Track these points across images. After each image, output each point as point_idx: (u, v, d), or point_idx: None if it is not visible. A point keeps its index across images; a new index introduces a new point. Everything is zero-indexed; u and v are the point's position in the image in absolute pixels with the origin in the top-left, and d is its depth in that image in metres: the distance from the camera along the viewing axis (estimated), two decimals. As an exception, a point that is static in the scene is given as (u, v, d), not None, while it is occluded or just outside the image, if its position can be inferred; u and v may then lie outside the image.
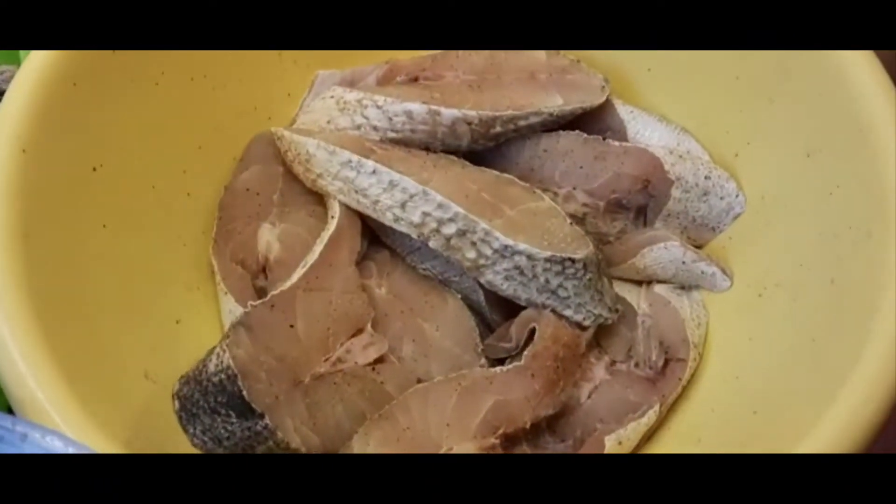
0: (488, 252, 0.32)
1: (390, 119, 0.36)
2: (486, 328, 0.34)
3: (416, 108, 0.36)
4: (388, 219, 0.34)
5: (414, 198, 0.33)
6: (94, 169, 0.31)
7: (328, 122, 0.38)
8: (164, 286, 0.34)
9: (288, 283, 0.33)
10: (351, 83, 0.40)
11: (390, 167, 0.34)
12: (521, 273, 0.32)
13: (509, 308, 0.34)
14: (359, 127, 0.37)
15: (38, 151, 0.27)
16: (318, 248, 0.34)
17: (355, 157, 0.34)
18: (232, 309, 0.34)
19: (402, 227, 0.33)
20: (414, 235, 0.33)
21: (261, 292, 0.35)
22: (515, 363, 0.31)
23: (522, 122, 0.36)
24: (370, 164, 0.34)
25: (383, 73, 0.40)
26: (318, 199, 0.37)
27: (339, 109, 0.38)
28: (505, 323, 0.33)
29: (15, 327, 0.25)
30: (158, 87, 0.34)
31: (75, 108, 0.30)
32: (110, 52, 0.31)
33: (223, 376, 0.29)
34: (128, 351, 0.30)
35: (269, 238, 0.36)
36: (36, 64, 0.29)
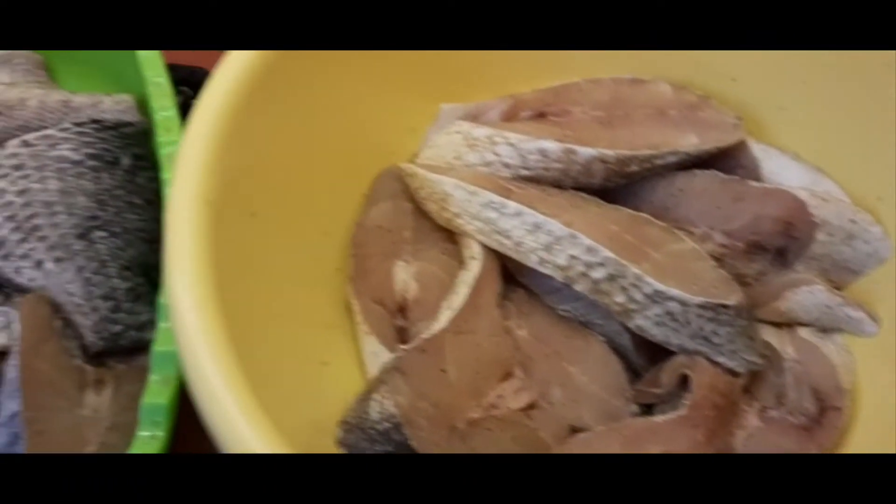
0: (639, 297, 0.32)
1: (523, 157, 0.36)
2: (630, 372, 0.34)
3: (551, 146, 0.36)
4: (532, 261, 0.34)
5: (560, 241, 0.33)
6: (253, 215, 0.31)
7: (455, 158, 0.38)
8: (308, 327, 0.34)
9: (436, 327, 0.32)
10: (475, 117, 0.40)
11: (533, 208, 0.34)
12: (673, 319, 0.32)
13: (654, 351, 0.33)
14: (489, 164, 0.37)
15: (220, 203, 0.27)
16: (464, 290, 0.34)
17: (497, 198, 0.34)
18: (376, 351, 0.34)
19: (546, 270, 0.33)
20: (559, 278, 0.33)
21: (400, 332, 0.35)
22: (678, 413, 0.31)
23: (659, 161, 0.36)
24: (513, 205, 0.34)
25: (507, 108, 0.39)
26: (450, 235, 0.37)
27: (467, 146, 0.37)
28: (652, 368, 0.33)
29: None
30: (301, 129, 0.34)
31: (244, 158, 0.30)
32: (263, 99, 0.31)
33: (388, 425, 0.29)
34: (288, 390, 0.30)
35: (404, 277, 0.36)
36: (207, 120, 0.29)
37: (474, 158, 0.37)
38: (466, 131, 0.38)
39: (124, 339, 0.34)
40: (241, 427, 0.24)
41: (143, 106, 0.41)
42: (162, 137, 0.36)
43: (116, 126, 0.40)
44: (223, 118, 0.29)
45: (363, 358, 0.34)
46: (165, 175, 0.35)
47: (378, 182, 0.38)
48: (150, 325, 0.35)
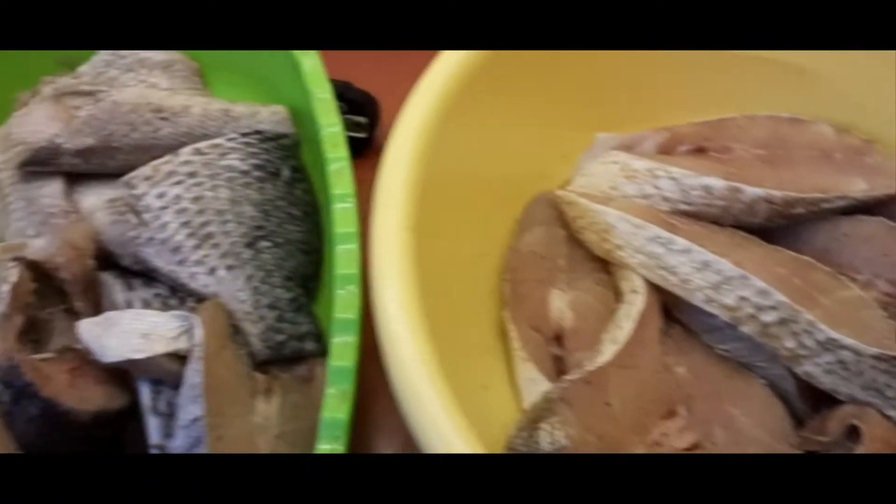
0: (810, 344, 0.32)
1: (685, 192, 0.36)
2: (791, 417, 0.34)
3: (716, 183, 0.35)
4: (697, 299, 0.33)
5: (730, 281, 0.33)
6: (435, 235, 0.31)
7: (612, 188, 0.38)
8: (471, 349, 0.34)
9: (601, 360, 0.33)
10: (629, 148, 0.40)
11: (703, 246, 0.34)
12: (845, 368, 0.32)
13: (817, 398, 0.33)
14: (647, 196, 0.37)
15: (418, 230, 0.28)
16: (628, 324, 0.34)
17: (665, 233, 0.34)
18: (534, 378, 0.34)
19: (712, 309, 0.33)
20: (725, 318, 0.33)
21: (556, 361, 0.35)
22: (852, 465, 0.30)
23: (826, 206, 0.36)
24: (682, 241, 0.34)
25: (664, 140, 0.39)
26: (604, 266, 0.37)
27: (625, 176, 0.38)
28: (816, 415, 0.33)
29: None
30: (472, 150, 0.35)
31: (435, 183, 0.30)
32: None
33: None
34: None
35: (560, 305, 0.36)
36: (405, 151, 0.30)
37: (632, 190, 0.37)
38: (624, 162, 0.38)
39: (287, 348, 0.35)
40: (446, 428, 0.25)
41: (295, 117, 0.42)
42: (329, 153, 0.36)
43: (276, 138, 0.41)
44: (418, 151, 0.30)
45: (518, 383, 0.35)
46: (335, 191, 0.35)
47: (531, 207, 0.39)
48: (309, 335, 0.36)
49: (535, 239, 0.38)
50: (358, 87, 0.44)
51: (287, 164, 0.40)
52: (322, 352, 0.36)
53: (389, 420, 0.38)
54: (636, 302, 0.34)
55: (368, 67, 0.49)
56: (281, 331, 0.35)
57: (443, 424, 0.25)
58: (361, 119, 0.44)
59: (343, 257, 0.34)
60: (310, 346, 0.36)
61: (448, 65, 0.34)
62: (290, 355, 0.35)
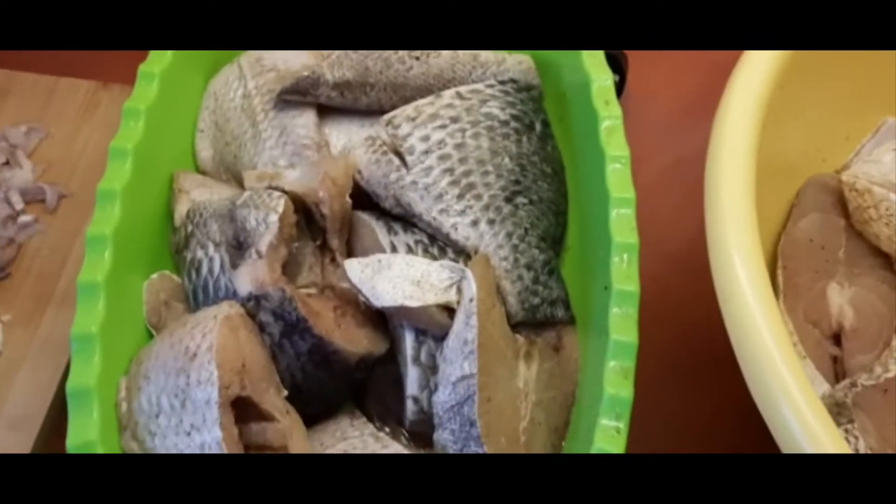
0: None
1: None
2: None
3: None
4: None
5: None
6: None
7: (903, 178, 0.34)
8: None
9: (899, 368, 0.30)
10: (923, 136, 0.36)
11: None
12: None
13: None
14: (950, 192, 0.33)
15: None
16: (930, 331, 0.30)
17: (983, 237, 0.31)
18: (812, 376, 0.31)
19: None
20: None
21: (833, 361, 0.32)
22: None
23: None
24: None
25: (966, 131, 0.35)
26: (887, 262, 0.34)
27: (921, 168, 0.34)
28: None
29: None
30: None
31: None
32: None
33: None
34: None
35: (839, 301, 0.33)
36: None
37: (930, 184, 0.33)
38: (922, 152, 0.34)
39: (540, 312, 0.33)
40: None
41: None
42: (601, 110, 0.34)
43: (528, 88, 0.39)
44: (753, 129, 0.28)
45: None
46: (610, 150, 0.33)
47: (806, 191, 0.35)
48: (560, 301, 0.34)
49: (810, 225, 0.35)
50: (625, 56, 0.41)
51: (539, 116, 0.37)
52: (571, 319, 0.34)
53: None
54: (939, 308, 0.31)
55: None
56: (536, 293, 0.33)
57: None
58: (614, 76, 0.41)
59: (620, 223, 0.32)
60: (560, 312, 0.34)
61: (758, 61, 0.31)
62: (541, 319, 0.33)
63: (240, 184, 0.37)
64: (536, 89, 0.40)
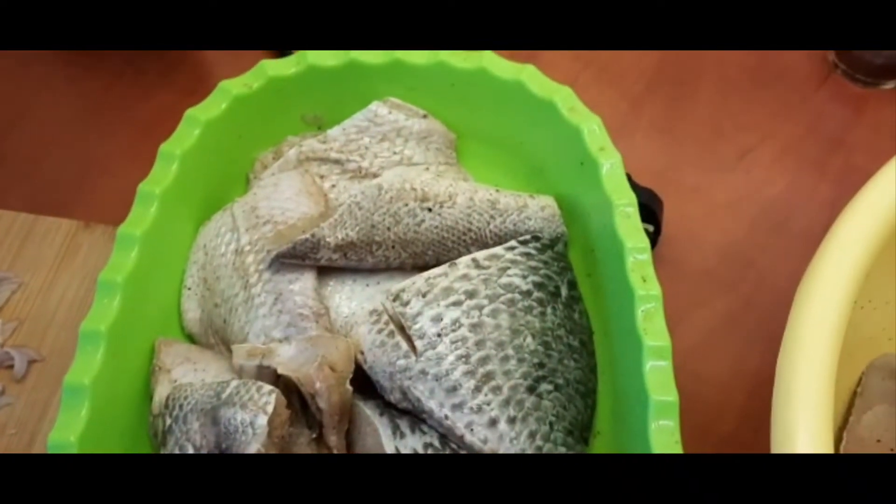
0: None
1: None
2: None
3: None
4: None
5: None
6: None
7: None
8: None
9: None
10: None
11: None
12: None
13: None
14: None
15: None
16: None
17: None
18: None
19: None
20: None
21: None
22: None
23: None
24: None
25: None
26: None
27: None
28: None
29: None
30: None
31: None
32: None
33: None
34: None
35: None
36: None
37: None
38: None
39: (567, 524, 0.29)
40: None
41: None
42: (639, 290, 0.30)
43: (552, 244, 0.35)
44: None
45: None
46: (649, 341, 0.29)
47: (870, 378, 0.31)
48: None
49: (878, 422, 0.30)
50: (643, 186, 0.37)
51: (564, 279, 0.33)
52: (602, 526, 0.30)
53: None
54: None
55: (640, 151, 0.43)
56: (563, 503, 0.29)
57: None
58: (649, 227, 0.37)
59: (660, 435, 0.27)
60: (589, 518, 0.30)
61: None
62: (568, 531, 0.29)
63: (229, 349, 0.34)
64: (562, 241, 0.36)
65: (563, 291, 0.33)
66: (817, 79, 0.45)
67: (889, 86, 0.44)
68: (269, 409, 0.28)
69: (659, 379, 0.28)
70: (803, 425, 0.23)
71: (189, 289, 0.35)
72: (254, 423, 0.28)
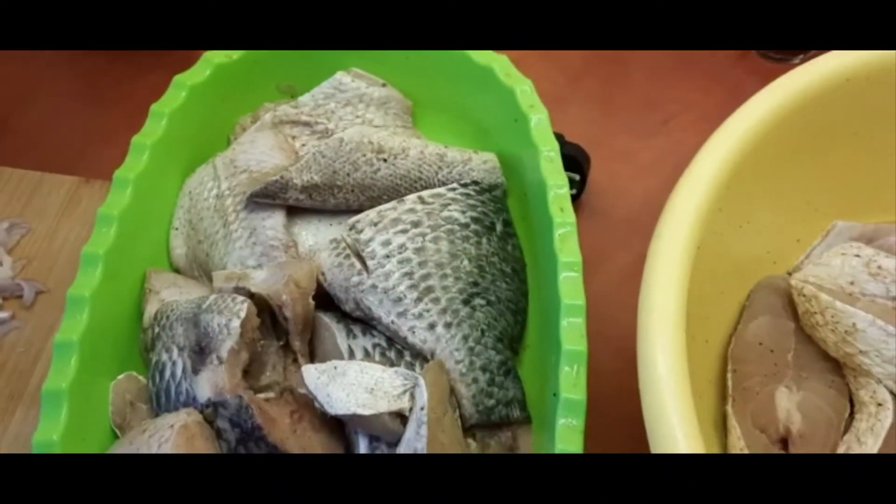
0: None
1: (941, 300, 0.33)
2: None
3: (981, 296, 0.32)
4: (956, 425, 0.31)
5: None
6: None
7: (851, 283, 0.35)
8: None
9: (842, 478, 0.30)
10: (871, 240, 0.37)
11: (967, 368, 0.31)
12: None
13: None
14: (894, 299, 0.34)
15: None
16: (871, 440, 0.31)
17: (923, 349, 0.31)
18: (759, 483, 0.32)
19: (972, 438, 0.30)
20: None
21: (781, 466, 0.33)
22: None
23: None
24: (944, 360, 0.31)
25: (912, 236, 0.36)
26: (836, 366, 0.35)
27: (869, 273, 0.35)
28: None
29: None
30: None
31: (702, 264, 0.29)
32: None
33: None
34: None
35: (787, 405, 0.34)
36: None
37: (876, 289, 0.34)
38: (870, 257, 0.35)
39: (495, 413, 0.34)
40: None
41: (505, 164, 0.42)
42: (556, 217, 0.35)
43: (491, 189, 0.40)
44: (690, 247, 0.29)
45: (739, 485, 0.33)
46: (563, 258, 0.34)
47: (757, 294, 0.36)
48: (516, 401, 0.35)
49: (760, 329, 0.35)
50: (571, 141, 0.43)
51: (500, 217, 0.39)
52: (527, 419, 0.35)
53: None
54: (883, 417, 0.32)
55: (575, 117, 0.49)
56: (491, 395, 0.34)
57: None
58: (574, 176, 0.43)
59: (570, 331, 0.33)
60: (515, 412, 0.35)
61: (715, 151, 0.33)
62: (496, 421, 0.34)
63: (211, 281, 0.39)
64: (500, 188, 0.41)
65: (498, 227, 0.39)
66: (735, 56, 0.51)
67: (797, 60, 0.50)
68: (242, 314, 0.33)
69: (570, 287, 0.34)
70: (660, 340, 0.28)
71: (176, 229, 0.40)
72: (229, 325, 0.33)
